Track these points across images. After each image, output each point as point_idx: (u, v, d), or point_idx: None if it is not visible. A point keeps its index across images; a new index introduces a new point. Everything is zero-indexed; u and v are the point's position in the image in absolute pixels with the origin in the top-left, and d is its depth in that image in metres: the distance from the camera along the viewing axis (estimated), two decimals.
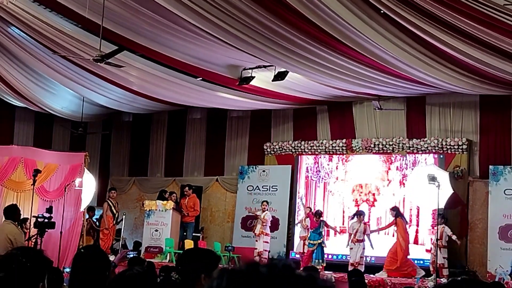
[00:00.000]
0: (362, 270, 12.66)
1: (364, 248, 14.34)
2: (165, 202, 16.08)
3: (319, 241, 14.59)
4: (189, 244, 15.35)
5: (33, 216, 12.60)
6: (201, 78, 14.80)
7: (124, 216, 16.42)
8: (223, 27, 10.82)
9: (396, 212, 14.47)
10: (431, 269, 13.67)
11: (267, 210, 15.55)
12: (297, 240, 15.98)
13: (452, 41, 10.42)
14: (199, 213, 17.03)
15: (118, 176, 20.30)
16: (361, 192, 16.26)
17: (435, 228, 13.97)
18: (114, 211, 16.65)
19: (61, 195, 15.14)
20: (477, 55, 10.96)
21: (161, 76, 14.57)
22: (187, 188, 16.85)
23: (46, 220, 11.69)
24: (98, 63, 11.92)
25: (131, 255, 13.26)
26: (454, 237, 13.91)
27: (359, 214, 14.70)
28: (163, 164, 19.66)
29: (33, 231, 12.88)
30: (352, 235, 14.37)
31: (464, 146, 15.17)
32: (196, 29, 11.20)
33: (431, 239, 14.92)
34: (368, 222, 15.22)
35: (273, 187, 17.15)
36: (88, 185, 15.68)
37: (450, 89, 14.05)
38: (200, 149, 19.11)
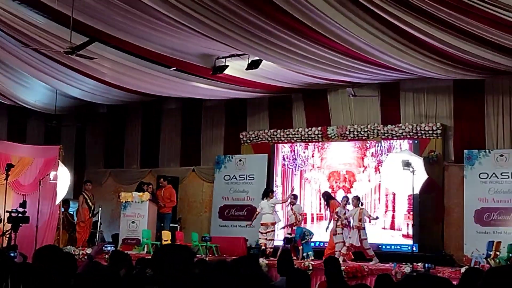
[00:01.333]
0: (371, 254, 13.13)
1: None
2: (141, 193, 16.01)
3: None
4: (166, 235, 15.31)
5: (7, 211, 12.49)
6: (174, 68, 14.71)
7: (100, 209, 16.31)
8: (195, 17, 10.74)
9: (327, 197, 14.84)
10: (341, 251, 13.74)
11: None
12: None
13: (424, 27, 10.44)
14: (176, 204, 16.99)
15: (94, 168, 20.16)
16: (337, 179, 16.32)
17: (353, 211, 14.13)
18: (90, 204, 16.55)
19: (36, 189, 15.03)
20: (449, 40, 10.99)
21: (134, 67, 14.45)
22: (162, 179, 16.79)
23: (20, 215, 11.59)
24: (70, 55, 11.80)
25: (109, 248, 13.21)
26: (372, 218, 14.09)
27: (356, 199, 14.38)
28: (139, 156, 19.56)
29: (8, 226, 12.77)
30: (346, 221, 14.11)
31: (439, 131, 15.26)
32: (169, 19, 11.10)
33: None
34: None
35: (250, 176, 17.15)
36: (63, 178, 15.57)
37: (423, 75, 14.10)
38: (176, 140, 19.04)
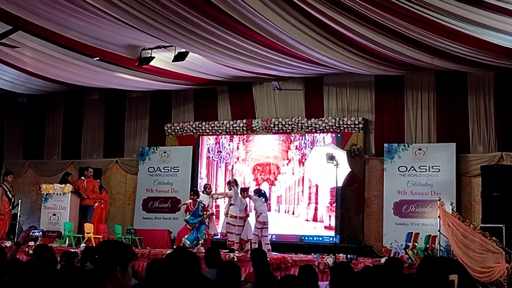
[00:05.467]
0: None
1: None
2: (63, 185, 15.72)
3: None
4: (89, 227, 15.09)
5: None
6: (98, 58, 14.46)
7: (20, 201, 15.93)
8: (121, 7, 10.60)
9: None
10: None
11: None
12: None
13: (348, 23, 10.68)
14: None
15: (13, 159, 19.64)
16: (261, 172, 16.48)
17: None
18: (10, 196, 16.13)
19: None
20: (372, 36, 11.27)
21: (57, 56, 14.12)
22: (90, 169, 16.40)
23: None
24: None
25: (36, 233, 12.90)
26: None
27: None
28: (60, 146, 19.17)
29: None
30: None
31: (360, 125, 15.63)
32: (94, 8, 10.91)
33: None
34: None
35: (175, 168, 17.10)
36: None
37: (346, 70, 14.40)
38: (99, 131, 18.77)
